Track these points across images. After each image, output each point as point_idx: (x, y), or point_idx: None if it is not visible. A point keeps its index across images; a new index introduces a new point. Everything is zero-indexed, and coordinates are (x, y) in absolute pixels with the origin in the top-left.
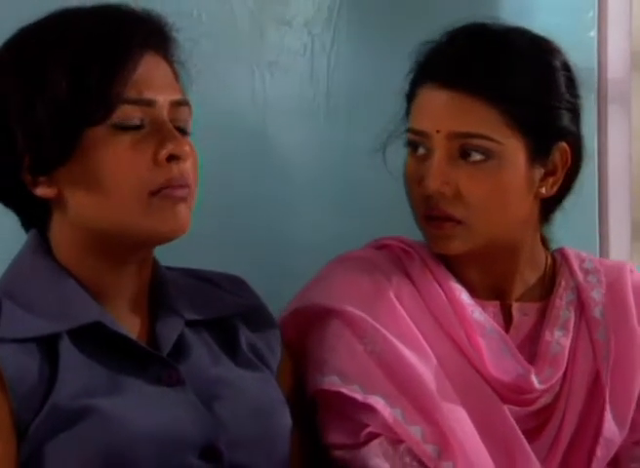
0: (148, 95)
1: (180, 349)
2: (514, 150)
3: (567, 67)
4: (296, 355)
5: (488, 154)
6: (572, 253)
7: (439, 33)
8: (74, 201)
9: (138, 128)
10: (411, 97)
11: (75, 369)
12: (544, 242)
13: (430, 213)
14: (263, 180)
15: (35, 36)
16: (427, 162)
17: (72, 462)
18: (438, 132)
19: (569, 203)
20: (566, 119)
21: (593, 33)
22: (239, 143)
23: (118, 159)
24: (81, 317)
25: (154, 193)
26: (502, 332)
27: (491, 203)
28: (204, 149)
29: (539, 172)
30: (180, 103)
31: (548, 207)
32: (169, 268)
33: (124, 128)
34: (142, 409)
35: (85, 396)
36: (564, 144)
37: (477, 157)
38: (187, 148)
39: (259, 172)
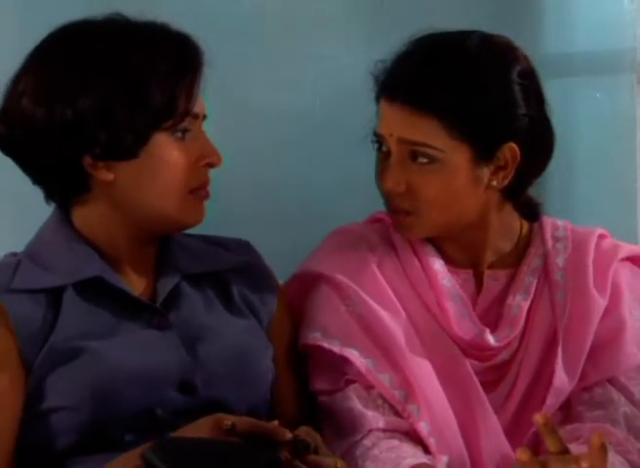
0: (197, 109)
1: (175, 299)
2: (456, 155)
3: (523, 74)
4: (295, 314)
5: (432, 159)
6: (549, 222)
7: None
8: (126, 187)
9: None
10: (377, 102)
11: (74, 315)
12: (529, 212)
13: (388, 205)
14: (310, 164)
15: (138, 45)
16: (387, 161)
17: (67, 393)
18: (391, 136)
19: (610, 186)
20: (515, 122)
21: (633, 14)
22: (289, 129)
23: (172, 160)
24: (85, 272)
25: (191, 192)
26: (465, 297)
27: (438, 198)
28: (257, 135)
29: (487, 169)
30: (205, 117)
31: (513, 190)
32: (187, 235)
33: (180, 136)
34: (130, 349)
35: (80, 338)
36: (511, 145)
37: (423, 160)
38: (221, 159)
39: (306, 156)
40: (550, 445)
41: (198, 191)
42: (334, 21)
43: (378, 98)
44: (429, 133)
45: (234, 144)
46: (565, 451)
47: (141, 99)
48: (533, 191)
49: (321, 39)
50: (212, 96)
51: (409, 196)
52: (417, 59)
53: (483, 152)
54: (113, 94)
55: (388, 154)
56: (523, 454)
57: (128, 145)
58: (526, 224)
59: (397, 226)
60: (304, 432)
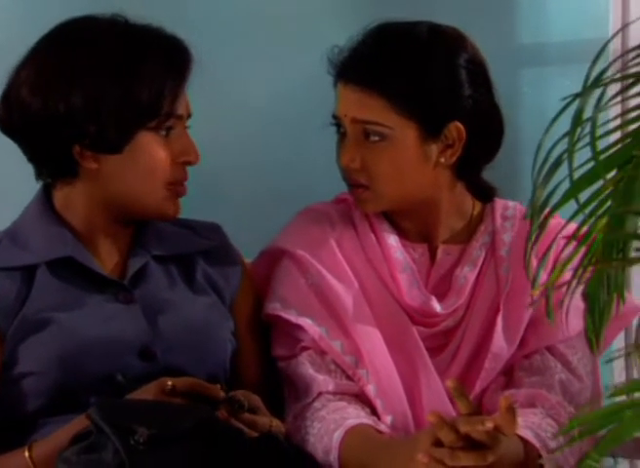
0: (181, 110)
1: (142, 277)
2: (405, 132)
3: (470, 61)
4: (263, 286)
5: (382, 136)
6: (500, 202)
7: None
8: (109, 177)
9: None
10: (335, 86)
11: (45, 290)
12: (482, 193)
13: (347, 181)
14: (302, 144)
15: (131, 47)
16: (344, 140)
17: (36, 359)
18: (346, 116)
19: None
20: (459, 102)
21: (606, 4)
22: (283, 112)
23: (154, 156)
24: (57, 252)
25: (167, 185)
26: (415, 269)
27: (389, 173)
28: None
29: (436, 146)
30: (190, 116)
31: (463, 170)
32: None
33: (164, 134)
34: (95, 320)
35: (49, 310)
36: (457, 123)
37: (375, 138)
38: (199, 158)
39: (299, 137)
40: (461, 407)
41: (175, 186)
42: (323, 16)
43: (336, 83)
44: (378, 111)
45: (222, 128)
46: (475, 413)
47: (130, 99)
48: (507, 177)
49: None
50: (200, 83)
51: (364, 172)
52: (368, 44)
53: (430, 130)
54: (104, 92)
55: (345, 134)
56: (432, 417)
57: (113, 141)
58: (478, 204)
59: (356, 200)
60: (242, 394)
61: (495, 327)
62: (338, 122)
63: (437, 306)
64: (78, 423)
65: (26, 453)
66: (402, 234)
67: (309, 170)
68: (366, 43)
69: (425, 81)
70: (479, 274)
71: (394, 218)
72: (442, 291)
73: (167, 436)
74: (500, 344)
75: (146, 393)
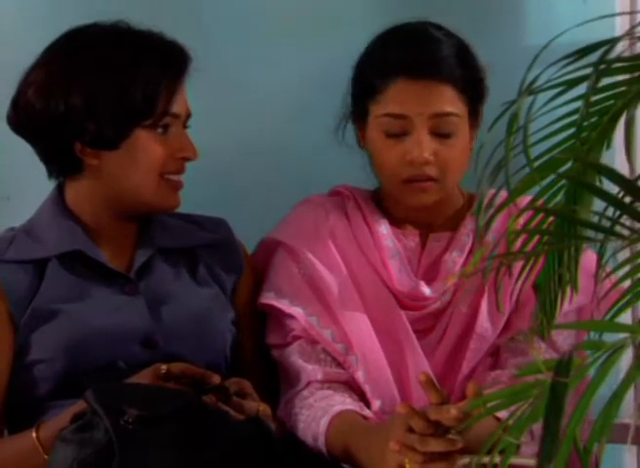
0: (177, 109)
1: (147, 270)
2: (465, 120)
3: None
4: (261, 276)
5: (454, 126)
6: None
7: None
8: (109, 173)
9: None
10: (378, 89)
11: (56, 282)
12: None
13: (415, 176)
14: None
15: (128, 52)
16: (407, 139)
17: (45, 347)
18: (421, 114)
19: None
20: (484, 86)
21: (613, 5)
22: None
23: (151, 152)
24: (67, 246)
25: (163, 175)
26: (404, 255)
27: (457, 163)
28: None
29: (473, 131)
30: (190, 115)
31: None
32: (168, 214)
33: (162, 131)
34: (101, 311)
35: (59, 302)
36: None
37: (446, 131)
38: (197, 154)
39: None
40: (432, 397)
41: (170, 176)
42: (333, 17)
43: (379, 86)
44: (451, 101)
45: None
46: (445, 402)
47: (124, 98)
48: None
49: (318, 34)
50: (207, 80)
51: (436, 165)
52: (423, 40)
53: (475, 113)
54: (100, 91)
55: (404, 134)
56: (402, 408)
57: (110, 138)
58: (466, 193)
59: (415, 193)
60: (233, 381)
61: (479, 309)
62: (395, 122)
63: (426, 290)
64: (78, 406)
65: (34, 434)
66: (394, 223)
67: (313, 165)
68: (416, 39)
69: (475, 67)
70: (467, 259)
71: (388, 209)
72: (432, 276)
73: (154, 417)
74: (485, 325)
75: (142, 377)
